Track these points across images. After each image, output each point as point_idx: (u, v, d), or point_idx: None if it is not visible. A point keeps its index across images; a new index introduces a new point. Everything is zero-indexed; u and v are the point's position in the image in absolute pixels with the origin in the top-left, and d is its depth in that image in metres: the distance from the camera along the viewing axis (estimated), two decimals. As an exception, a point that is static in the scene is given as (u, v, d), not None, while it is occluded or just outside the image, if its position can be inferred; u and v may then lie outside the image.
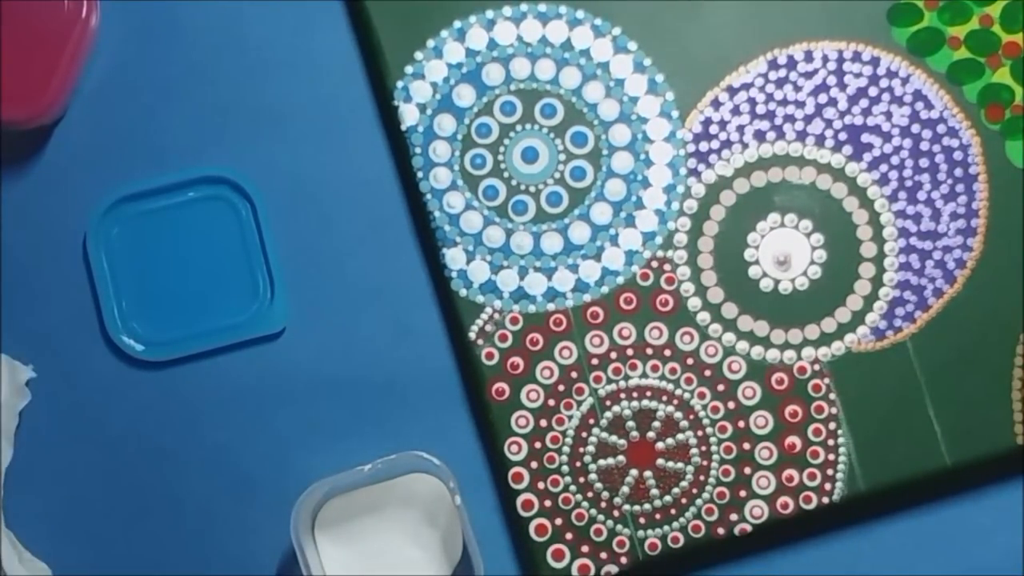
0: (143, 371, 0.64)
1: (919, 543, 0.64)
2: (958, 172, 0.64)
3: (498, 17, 0.64)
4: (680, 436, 0.63)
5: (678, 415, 0.63)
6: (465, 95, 0.64)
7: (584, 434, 0.63)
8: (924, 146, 0.64)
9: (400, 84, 0.64)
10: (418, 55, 0.64)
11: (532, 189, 0.64)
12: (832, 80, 0.64)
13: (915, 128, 0.64)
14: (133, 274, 0.64)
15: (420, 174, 0.64)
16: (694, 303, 0.63)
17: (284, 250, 0.65)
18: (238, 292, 0.64)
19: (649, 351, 0.63)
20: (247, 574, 0.64)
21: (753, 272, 0.64)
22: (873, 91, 0.64)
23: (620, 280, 0.63)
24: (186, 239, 0.64)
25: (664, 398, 0.63)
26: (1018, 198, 0.64)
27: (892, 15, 0.64)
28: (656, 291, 0.63)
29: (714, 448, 0.63)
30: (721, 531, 0.63)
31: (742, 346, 0.63)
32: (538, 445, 0.63)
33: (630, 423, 0.63)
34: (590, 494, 0.63)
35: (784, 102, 0.64)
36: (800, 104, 0.64)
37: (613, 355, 0.63)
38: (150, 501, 0.64)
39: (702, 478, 0.63)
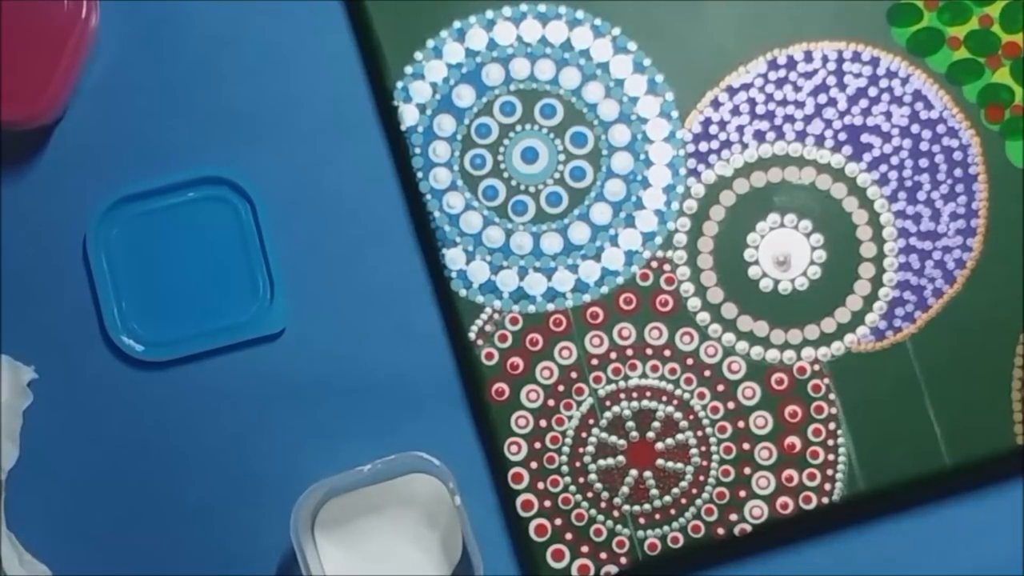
0: (143, 371, 0.64)
1: (919, 543, 0.64)
2: (958, 172, 0.64)
3: (498, 17, 0.64)
4: (680, 436, 0.63)
5: (678, 415, 0.63)
6: (465, 95, 0.64)
7: (584, 434, 0.63)
8: (924, 146, 0.64)
9: (400, 84, 0.64)
10: (418, 55, 0.64)
11: (532, 189, 0.64)
12: (832, 80, 0.64)
13: (915, 128, 0.64)
14: (133, 274, 0.64)
15: (420, 174, 0.64)
16: (694, 303, 0.63)
17: (284, 250, 0.65)
18: (238, 292, 0.64)
19: (649, 351, 0.63)
20: (247, 574, 0.64)
21: (753, 272, 0.64)
22: (873, 91, 0.64)
23: (620, 280, 0.63)
24: (186, 239, 0.64)
25: (664, 398, 0.63)
26: (1018, 198, 0.64)
27: (892, 15, 0.64)
28: (656, 291, 0.63)
29: (714, 448, 0.63)
30: (721, 531, 0.63)
31: (742, 346, 0.63)
32: (538, 445, 0.63)
33: (630, 423, 0.63)
34: (590, 494, 0.63)
35: (784, 102, 0.64)
36: (800, 104, 0.64)
37: (613, 355, 0.63)
38: (150, 501, 0.64)
39: (702, 478, 0.63)
